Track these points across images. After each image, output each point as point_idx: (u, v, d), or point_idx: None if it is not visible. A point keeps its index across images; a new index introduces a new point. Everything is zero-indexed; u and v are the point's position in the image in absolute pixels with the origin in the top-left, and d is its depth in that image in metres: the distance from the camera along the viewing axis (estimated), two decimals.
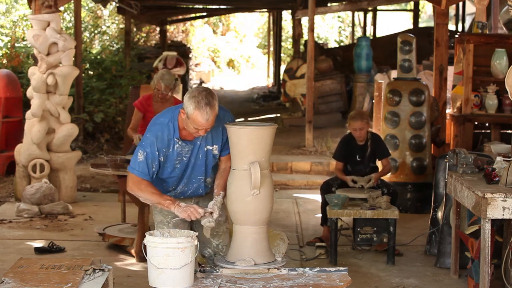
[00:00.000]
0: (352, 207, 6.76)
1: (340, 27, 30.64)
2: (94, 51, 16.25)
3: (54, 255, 6.72)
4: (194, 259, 3.98)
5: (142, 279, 5.79)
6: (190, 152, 4.45)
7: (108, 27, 20.44)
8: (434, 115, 9.20)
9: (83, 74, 13.01)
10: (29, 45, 12.76)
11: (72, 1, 12.35)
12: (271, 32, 26.20)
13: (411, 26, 22.24)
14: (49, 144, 8.91)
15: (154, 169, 4.37)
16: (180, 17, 24.39)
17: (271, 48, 26.40)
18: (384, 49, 16.93)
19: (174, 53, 13.15)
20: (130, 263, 6.59)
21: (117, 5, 17.16)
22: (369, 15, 24.18)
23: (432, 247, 6.92)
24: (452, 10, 20.63)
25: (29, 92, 8.88)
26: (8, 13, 15.56)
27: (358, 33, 25.91)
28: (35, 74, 8.72)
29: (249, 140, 4.17)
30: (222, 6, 21.43)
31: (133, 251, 6.73)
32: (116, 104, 12.91)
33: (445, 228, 6.63)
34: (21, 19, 15.14)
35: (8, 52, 13.28)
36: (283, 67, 20.42)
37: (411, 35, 9.15)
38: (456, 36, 9.24)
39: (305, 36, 19.83)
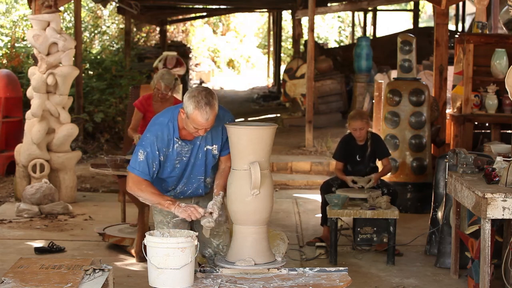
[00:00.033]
0: (352, 207, 6.76)
1: (340, 27, 30.65)
2: (94, 51, 16.26)
3: (54, 255, 6.72)
4: (194, 259, 3.98)
5: (142, 279, 5.79)
6: (190, 152, 4.44)
7: (108, 27, 20.45)
8: (434, 115, 9.20)
9: (83, 74, 13.02)
10: (29, 45, 12.76)
11: (72, 1, 12.35)
12: (271, 32, 26.20)
13: (411, 26, 22.24)
14: (49, 144, 8.91)
15: (154, 169, 4.37)
16: (180, 17, 24.40)
17: (271, 48, 26.40)
18: (384, 49, 16.93)
19: (174, 53, 13.15)
20: (130, 263, 6.59)
21: (117, 5, 17.16)
22: (369, 15, 24.18)
23: (432, 247, 6.92)
24: (452, 10, 20.63)
25: (29, 92, 8.88)
26: (8, 13, 15.56)
27: (358, 33, 25.91)
28: (35, 74, 8.72)
29: (249, 140, 4.17)
30: (222, 6, 21.44)
31: (133, 251, 6.73)
32: (116, 104, 12.91)
33: (445, 228, 6.63)
34: (21, 19, 15.14)
35: (8, 52, 13.28)
36: (283, 67, 20.43)
37: (411, 35, 9.15)
38: (456, 36, 9.24)
39: (305, 36, 19.83)
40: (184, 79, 17.34)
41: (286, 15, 26.49)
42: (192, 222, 4.51)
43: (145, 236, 4.03)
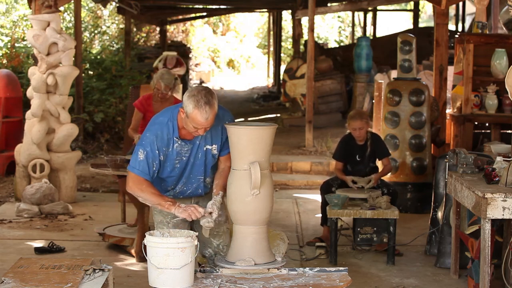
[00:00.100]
0: (352, 207, 6.76)
1: (340, 27, 30.65)
2: (94, 51, 16.25)
3: (54, 255, 6.72)
4: (194, 259, 3.98)
5: (142, 279, 5.79)
6: (190, 151, 4.44)
7: (108, 27, 20.44)
8: (434, 115, 9.20)
9: (83, 74, 13.02)
10: (29, 45, 12.76)
11: (72, 1, 12.35)
12: (271, 32, 26.20)
13: (411, 26, 22.24)
14: (49, 144, 8.91)
15: (154, 168, 4.36)
16: (180, 17, 24.40)
17: (271, 48, 26.40)
18: (384, 49, 16.93)
19: (174, 53, 13.15)
20: (130, 263, 6.59)
21: (117, 5, 17.16)
22: (369, 15, 24.18)
23: (432, 247, 6.92)
24: (452, 10, 20.63)
25: (29, 92, 8.88)
26: (8, 13, 15.56)
27: (358, 33, 25.91)
28: (35, 74, 8.72)
29: (249, 140, 4.17)
30: (222, 6, 21.44)
31: (133, 251, 6.73)
32: (116, 104, 12.91)
33: (445, 228, 6.63)
34: (21, 19, 15.14)
35: (8, 52, 13.28)
36: (283, 67, 20.42)
37: (411, 35, 9.15)
38: (456, 36, 9.24)
39: (305, 36, 19.83)
40: (184, 79, 17.34)
41: (286, 15, 26.49)
42: (192, 222, 4.50)
43: (145, 236, 4.03)
